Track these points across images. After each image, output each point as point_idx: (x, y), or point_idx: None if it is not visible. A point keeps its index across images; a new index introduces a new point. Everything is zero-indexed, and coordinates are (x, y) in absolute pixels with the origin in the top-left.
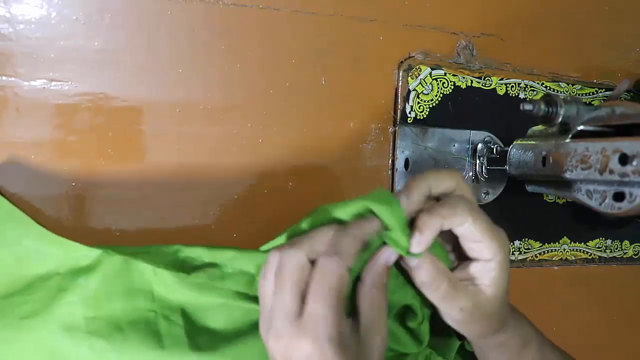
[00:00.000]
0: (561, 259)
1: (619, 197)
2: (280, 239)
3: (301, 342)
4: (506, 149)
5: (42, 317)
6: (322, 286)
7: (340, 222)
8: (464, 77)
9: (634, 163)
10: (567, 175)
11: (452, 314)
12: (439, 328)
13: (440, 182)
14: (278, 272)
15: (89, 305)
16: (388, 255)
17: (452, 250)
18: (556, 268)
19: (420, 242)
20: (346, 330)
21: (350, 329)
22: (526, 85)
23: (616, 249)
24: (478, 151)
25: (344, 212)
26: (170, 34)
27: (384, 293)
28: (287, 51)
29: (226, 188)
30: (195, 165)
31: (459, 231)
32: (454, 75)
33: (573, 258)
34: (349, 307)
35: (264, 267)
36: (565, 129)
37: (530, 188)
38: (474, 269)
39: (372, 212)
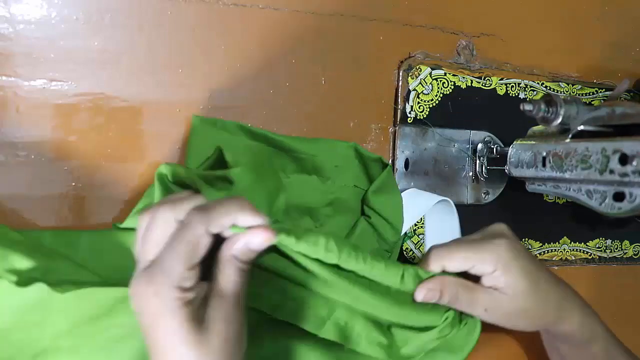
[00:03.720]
0: (561, 259)
1: (619, 197)
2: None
3: (148, 289)
4: (506, 149)
5: (132, 341)
6: (176, 238)
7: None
8: (464, 77)
9: (634, 163)
10: (567, 175)
11: (481, 317)
12: None
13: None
14: (147, 229)
15: None
16: (250, 240)
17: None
18: (556, 268)
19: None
20: (198, 293)
21: (199, 291)
22: (526, 85)
23: (616, 249)
24: (478, 151)
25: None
26: (170, 34)
27: (237, 271)
28: (287, 51)
29: None
30: None
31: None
32: (454, 75)
33: (573, 258)
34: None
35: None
36: (565, 129)
37: (530, 188)
38: (487, 280)
39: None
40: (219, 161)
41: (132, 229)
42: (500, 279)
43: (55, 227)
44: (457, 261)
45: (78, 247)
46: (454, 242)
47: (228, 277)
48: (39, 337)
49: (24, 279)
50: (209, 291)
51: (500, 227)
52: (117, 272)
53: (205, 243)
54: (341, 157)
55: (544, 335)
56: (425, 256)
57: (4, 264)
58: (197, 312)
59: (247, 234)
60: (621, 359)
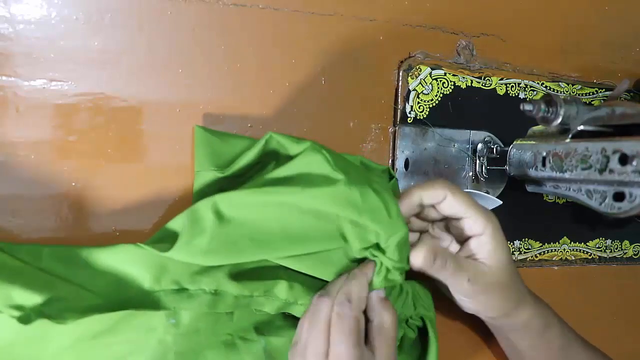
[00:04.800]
0: (561, 259)
1: (619, 197)
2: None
3: None
4: (506, 149)
5: (136, 358)
6: (341, 329)
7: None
8: (464, 77)
9: (634, 163)
10: (567, 175)
11: (462, 288)
12: None
13: (431, 195)
14: (312, 316)
15: (178, 343)
16: (378, 292)
17: (449, 234)
18: (556, 268)
19: (402, 206)
20: None
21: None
22: (526, 85)
23: (616, 249)
24: (478, 151)
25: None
26: (170, 34)
27: (391, 326)
28: (287, 51)
29: None
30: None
31: (444, 210)
32: (454, 75)
33: (573, 258)
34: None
35: (307, 310)
36: (565, 129)
37: (530, 188)
38: (471, 245)
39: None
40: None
41: (135, 245)
42: (486, 246)
43: (56, 227)
44: (459, 204)
45: (77, 265)
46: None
47: (387, 339)
48: (40, 352)
49: (26, 315)
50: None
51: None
52: (118, 290)
53: (361, 321)
54: None
55: (497, 330)
56: (430, 183)
57: (6, 300)
58: None
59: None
60: (575, 343)
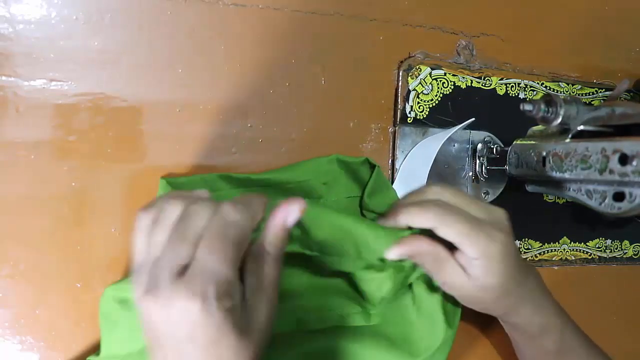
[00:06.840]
0: (561, 259)
1: (619, 197)
2: None
3: (186, 301)
4: (506, 149)
5: None
6: (219, 235)
7: None
8: (464, 77)
9: (634, 163)
10: (567, 175)
11: (440, 285)
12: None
13: (420, 223)
14: (167, 220)
15: None
16: (286, 215)
17: None
18: (556, 268)
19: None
20: (237, 294)
21: (240, 292)
22: (526, 85)
23: (616, 249)
24: (478, 151)
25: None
26: (170, 34)
27: (276, 263)
28: (287, 51)
29: None
30: (195, 165)
31: (438, 234)
32: (454, 75)
33: (573, 258)
34: None
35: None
36: (565, 129)
37: (530, 188)
38: (462, 259)
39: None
40: None
41: None
42: (476, 269)
43: (56, 227)
44: (451, 233)
45: None
46: (457, 210)
47: (269, 271)
48: None
49: None
50: (249, 292)
51: (503, 217)
52: None
53: (247, 239)
54: (326, 173)
55: (501, 321)
56: (419, 208)
57: None
58: (241, 319)
59: (281, 210)
60: (577, 351)
